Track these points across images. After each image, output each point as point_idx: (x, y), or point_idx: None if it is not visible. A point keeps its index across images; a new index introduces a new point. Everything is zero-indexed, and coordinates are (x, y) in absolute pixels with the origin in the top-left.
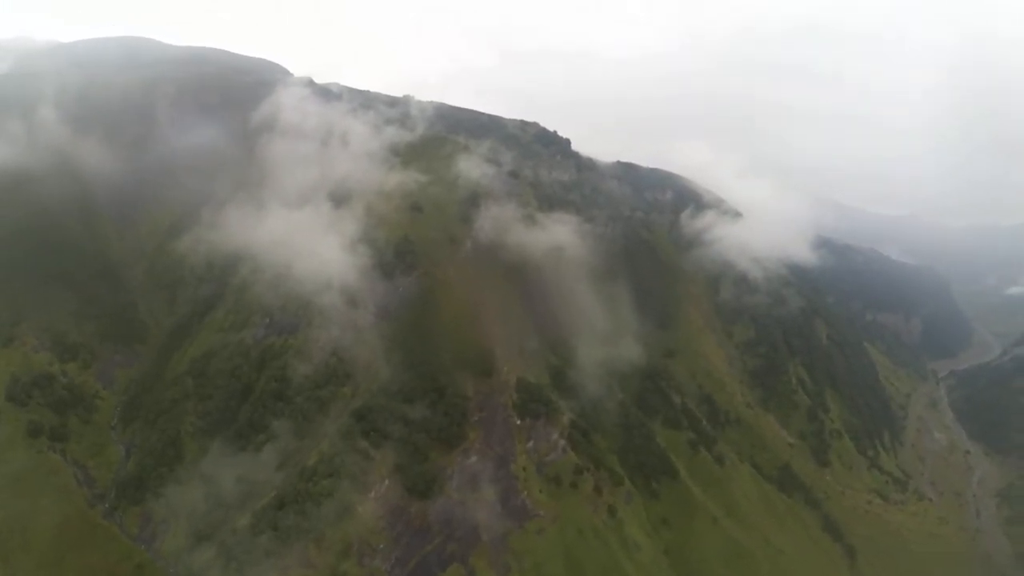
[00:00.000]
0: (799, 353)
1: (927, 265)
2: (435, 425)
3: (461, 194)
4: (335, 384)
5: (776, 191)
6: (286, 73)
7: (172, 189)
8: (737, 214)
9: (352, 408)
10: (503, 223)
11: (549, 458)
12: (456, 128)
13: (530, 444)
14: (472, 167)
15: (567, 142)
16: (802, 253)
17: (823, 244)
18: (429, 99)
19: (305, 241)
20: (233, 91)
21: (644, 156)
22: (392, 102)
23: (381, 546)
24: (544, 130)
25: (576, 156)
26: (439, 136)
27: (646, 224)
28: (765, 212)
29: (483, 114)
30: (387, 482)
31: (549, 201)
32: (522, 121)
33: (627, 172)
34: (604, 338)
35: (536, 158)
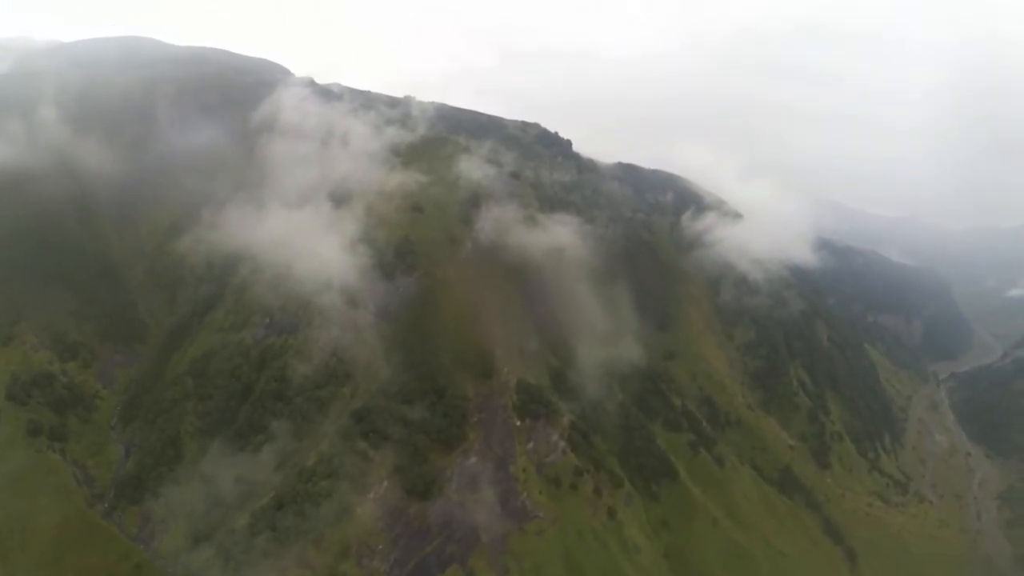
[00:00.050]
0: (800, 355)
1: (928, 267)
2: (435, 426)
3: (462, 195)
4: (335, 384)
5: (777, 192)
6: (286, 73)
7: (172, 189)
8: (738, 215)
9: (351, 409)
10: (504, 224)
11: (549, 459)
12: (457, 129)
13: (530, 445)
14: (473, 168)
15: (568, 143)
16: (803, 255)
17: (824, 246)
18: (430, 100)
19: (305, 241)
20: (233, 91)
21: (645, 157)
22: (393, 102)
23: (380, 547)
24: (545, 131)
25: (577, 157)
26: (440, 137)
27: (647, 225)
28: (766, 213)
29: (484, 115)
30: (386, 483)
31: (550, 202)
32: (523, 122)
33: (628, 173)
34: (604, 339)
35: (537, 159)
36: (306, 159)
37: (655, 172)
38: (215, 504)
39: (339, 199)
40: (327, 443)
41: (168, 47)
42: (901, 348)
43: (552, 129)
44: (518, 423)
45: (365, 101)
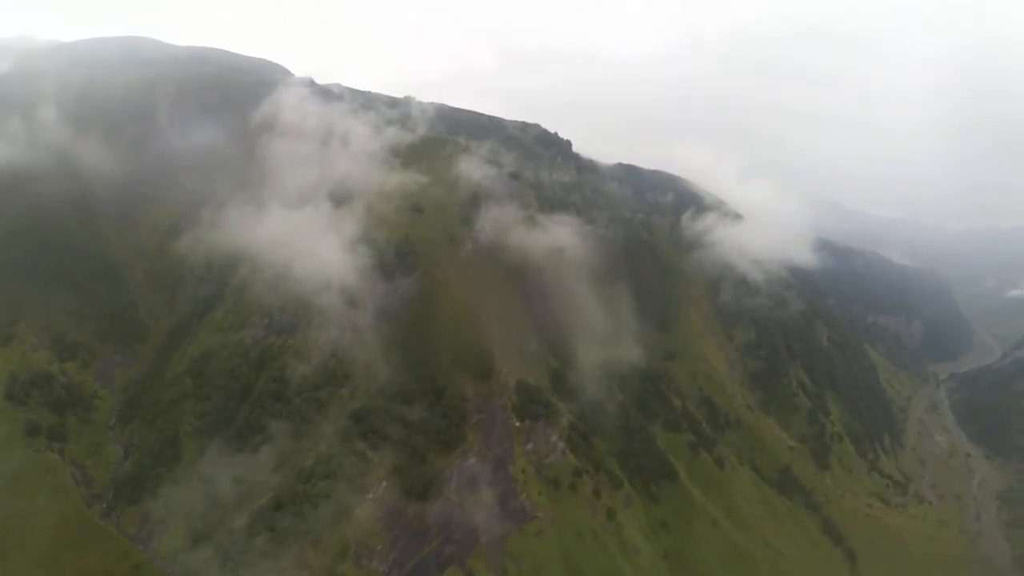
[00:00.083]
0: (799, 356)
1: (928, 267)
2: (434, 427)
3: (462, 195)
4: (334, 385)
5: (776, 193)
6: (286, 73)
7: (172, 189)
8: (738, 216)
9: (350, 409)
10: (504, 224)
11: (548, 460)
12: (457, 129)
13: (529, 446)
14: (473, 168)
15: (568, 143)
16: (803, 255)
17: (824, 246)
18: (430, 100)
19: (305, 241)
20: (233, 91)
21: (645, 158)
22: (393, 103)
23: (379, 548)
24: (545, 131)
25: (577, 157)
26: (440, 137)
27: (647, 226)
28: (766, 214)
29: (484, 115)
30: (385, 484)
31: (550, 202)
32: (523, 123)
33: (628, 174)
34: (604, 340)
35: (537, 159)
36: (306, 159)
37: (655, 173)
38: (214, 504)
39: (339, 199)
40: (326, 444)
41: (168, 47)
42: (901, 349)
43: (552, 129)
44: (517, 424)
45: (365, 101)
